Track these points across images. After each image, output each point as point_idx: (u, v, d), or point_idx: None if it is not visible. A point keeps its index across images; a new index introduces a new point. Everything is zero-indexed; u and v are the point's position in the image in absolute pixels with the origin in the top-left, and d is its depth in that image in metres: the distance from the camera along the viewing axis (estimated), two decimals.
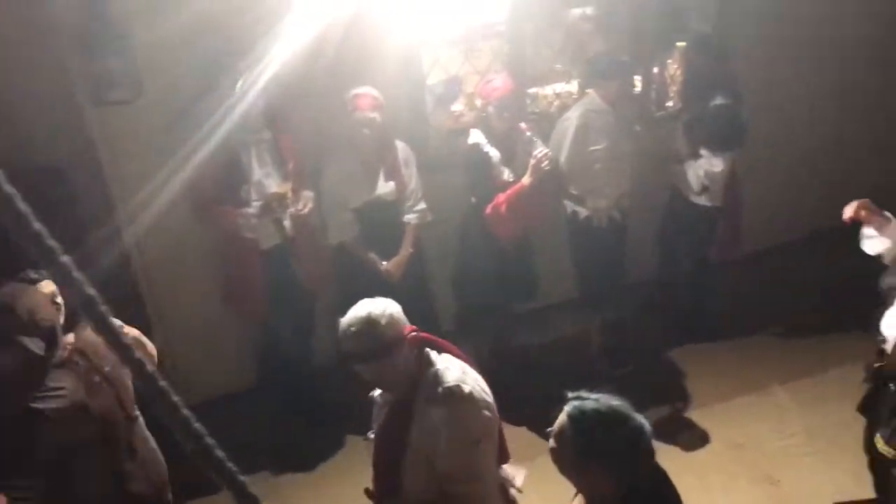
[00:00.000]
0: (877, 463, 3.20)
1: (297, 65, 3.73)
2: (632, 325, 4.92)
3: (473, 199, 4.23)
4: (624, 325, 4.86)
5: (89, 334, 2.58)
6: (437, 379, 2.46)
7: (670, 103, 5.11)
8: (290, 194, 3.92)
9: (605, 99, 4.31)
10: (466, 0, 4.68)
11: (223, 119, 3.72)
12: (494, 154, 4.14)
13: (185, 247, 4.19)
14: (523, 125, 4.19)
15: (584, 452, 2.15)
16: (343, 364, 2.44)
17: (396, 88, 4.28)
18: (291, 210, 3.96)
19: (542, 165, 4.02)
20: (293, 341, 4.38)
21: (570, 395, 2.22)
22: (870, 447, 3.23)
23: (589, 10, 5.24)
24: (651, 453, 2.19)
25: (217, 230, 4.05)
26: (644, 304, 5.02)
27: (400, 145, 4.14)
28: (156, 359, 2.88)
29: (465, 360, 2.60)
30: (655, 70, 5.06)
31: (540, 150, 4.03)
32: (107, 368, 2.58)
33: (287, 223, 4.03)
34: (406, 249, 4.18)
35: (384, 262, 4.13)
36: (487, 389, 2.56)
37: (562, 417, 2.19)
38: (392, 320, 2.38)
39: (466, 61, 4.90)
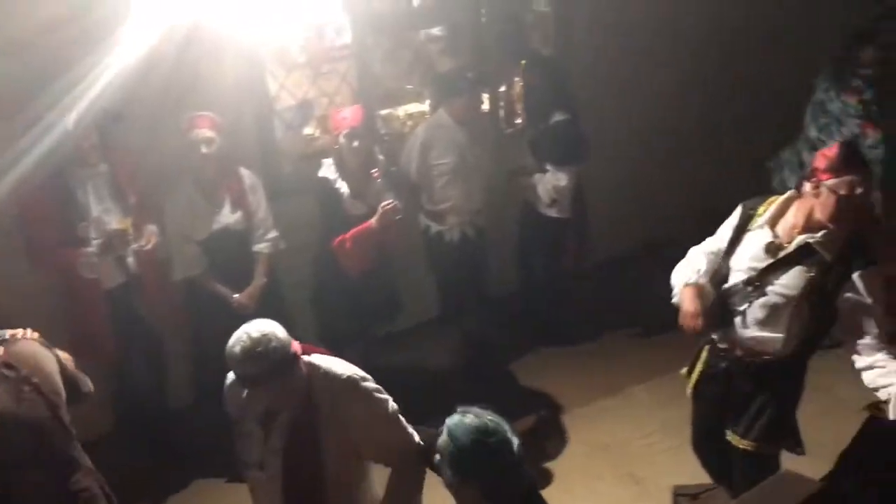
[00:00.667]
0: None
1: (126, 86, 3.55)
2: (493, 337, 4.99)
3: (324, 230, 4.16)
4: (485, 338, 4.93)
5: (20, 347, 2.58)
6: (330, 377, 2.52)
7: (519, 120, 5.24)
8: (131, 230, 3.76)
9: (452, 115, 4.35)
10: (309, 21, 4.65)
11: (52, 154, 3.51)
12: (345, 189, 4.10)
13: (26, 294, 3.88)
14: (375, 172, 4.15)
15: (461, 473, 2.23)
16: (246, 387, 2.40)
17: (240, 113, 4.17)
18: (134, 246, 3.79)
19: (389, 216, 4.00)
20: (146, 383, 4.16)
21: (456, 411, 2.28)
22: (702, 445, 3.46)
23: (436, 31, 5.34)
24: (526, 469, 2.26)
25: (56, 273, 3.81)
26: (505, 315, 5.11)
27: (245, 172, 4.02)
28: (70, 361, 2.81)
29: None
30: (503, 88, 5.19)
31: (388, 202, 4.00)
32: (35, 380, 2.54)
33: (130, 260, 3.85)
34: (259, 280, 4.06)
35: (236, 295, 4.00)
36: None
37: (443, 437, 2.26)
38: (285, 335, 2.39)
39: (314, 84, 4.85)
